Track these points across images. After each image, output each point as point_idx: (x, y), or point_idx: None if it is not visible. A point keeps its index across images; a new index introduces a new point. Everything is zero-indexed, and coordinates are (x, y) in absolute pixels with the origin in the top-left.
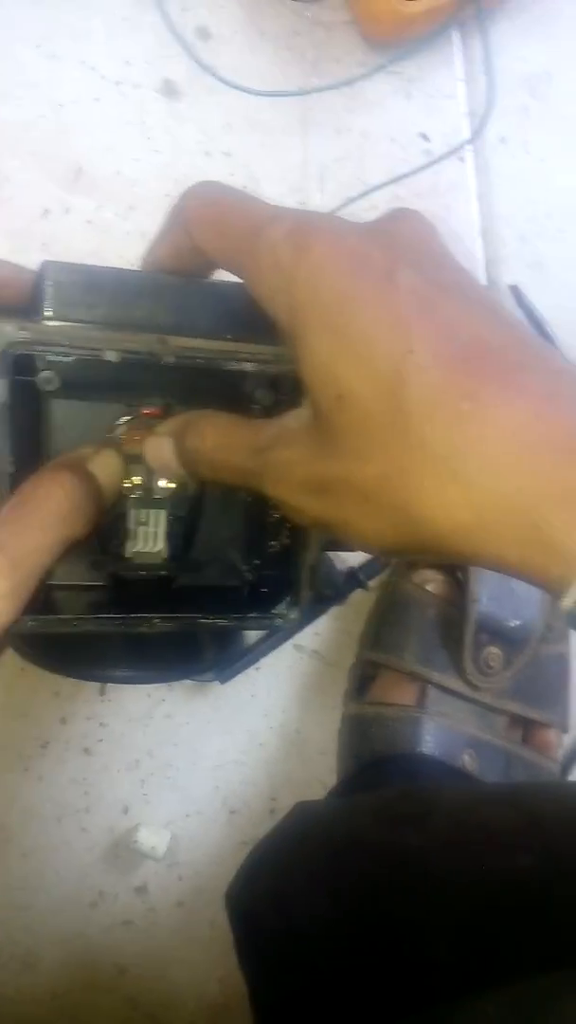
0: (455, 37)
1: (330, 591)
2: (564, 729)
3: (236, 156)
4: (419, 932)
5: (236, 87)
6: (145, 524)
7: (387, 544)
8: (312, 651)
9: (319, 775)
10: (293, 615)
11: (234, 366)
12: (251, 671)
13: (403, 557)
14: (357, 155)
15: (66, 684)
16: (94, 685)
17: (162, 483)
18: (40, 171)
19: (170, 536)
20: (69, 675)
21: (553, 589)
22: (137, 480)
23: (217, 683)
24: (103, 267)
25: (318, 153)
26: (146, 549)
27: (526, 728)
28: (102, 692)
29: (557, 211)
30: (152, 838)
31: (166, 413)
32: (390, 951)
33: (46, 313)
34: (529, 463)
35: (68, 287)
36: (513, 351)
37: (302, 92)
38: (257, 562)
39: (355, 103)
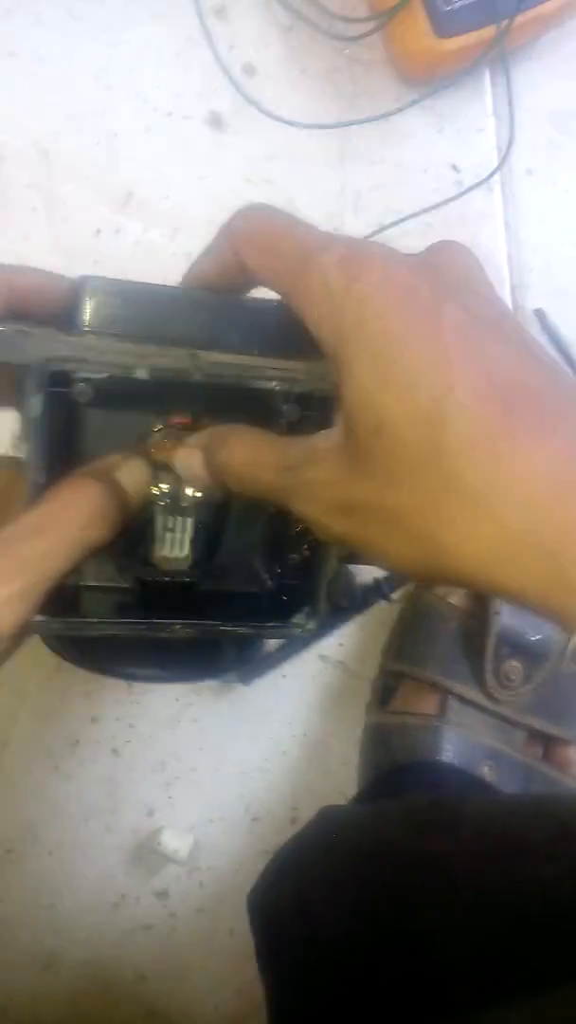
0: (486, 75)
1: (347, 602)
2: None
3: (276, 184)
4: (443, 941)
5: (278, 119)
6: (172, 530)
7: (409, 568)
8: (337, 661)
9: (340, 786)
10: (311, 625)
11: (261, 384)
12: (277, 679)
13: (423, 581)
14: (390, 184)
15: (97, 684)
16: (124, 685)
17: (189, 491)
18: (93, 194)
19: (195, 542)
20: (93, 670)
21: (570, 627)
22: (165, 488)
23: (242, 688)
24: (139, 283)
25: (354, 182)
26: (172, 554)
27: (546, 745)
28: (130, 688)
29: None
30: (175, 840)
31: (195, 424)
32: (413, 960)
33: (83, 327)
34: (559, 504)
35: (105, 301)
36: (550, 394)
37: (339, 125)
38: (278, 571)
39: (390, 136)
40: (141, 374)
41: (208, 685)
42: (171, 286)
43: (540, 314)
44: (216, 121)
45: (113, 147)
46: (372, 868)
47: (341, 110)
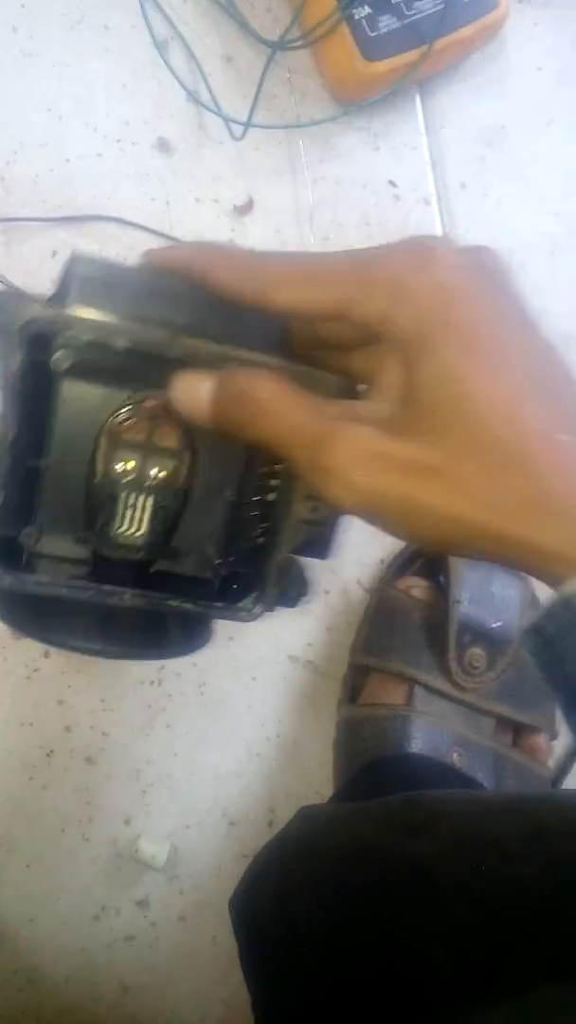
0: (416, 96)
1: (296, 591)
2: (552, 735)
3: (222, 203)
4: (423, 941)
5: (222, 141)
6: (132, 508)
7: (447, 531)
8: (306, 662)
9: (316, 786)
10: (257, 610)
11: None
12: (248, 681)
13: (439, 547)
14: (334, 200)
15: (70, 692)
16: (97, 694)
17: (154, 471)
18: (51, 216)
19: (153, 523)
20: (41, 639)
21: None
22: (131, 464)
23: (214, 691)
24: (127, 266)
25: (299, 199)
26: (129, 531)
27: (515, 732)
28: (102, 696)
29: (517, 247)
30: (152, 846)
31: (168, 406)
32: (394, 960)
33: (69, 301)
34: None
35: (93, 280)
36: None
37: (276, 126)
38: (231, 559)
39: (329, 155)
40: (120, 343)
41: (181, 689)
42: (157, 273)
43: None
44: (164, 146)
45: (67, 173)
46: (352, 870)
47: (282, 134)
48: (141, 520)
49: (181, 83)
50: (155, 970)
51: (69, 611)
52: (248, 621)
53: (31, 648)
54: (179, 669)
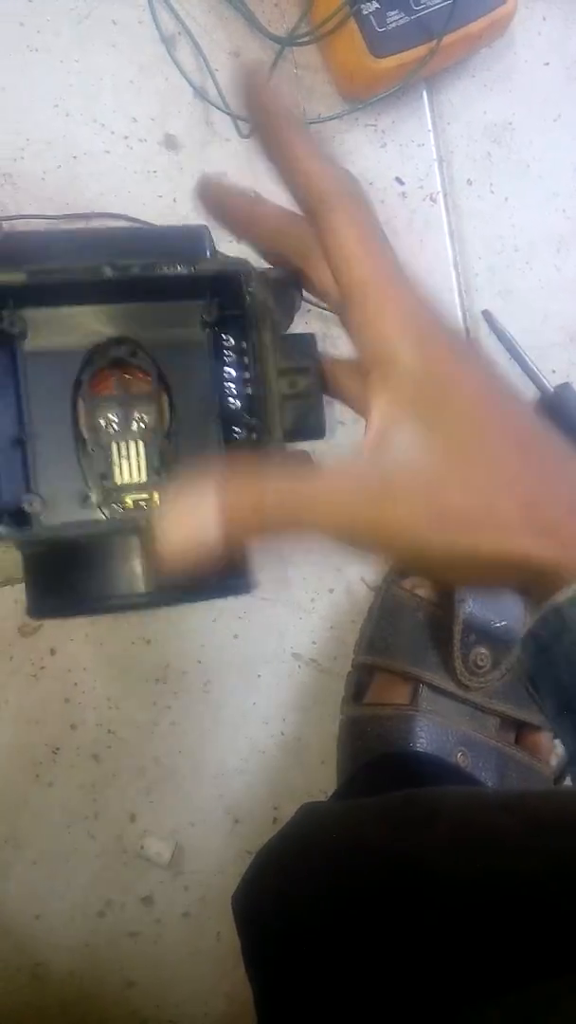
0: (423, 92)
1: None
2: (555, 733)
3: None
4: (421, 936)
5: (230, 137)
6: (127, 457)
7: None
8: (310, 659)
9: (320, 783)
10: None
11: (168, 271)
12: (252, 679)
13: (429, 570)
14: None
15: (76, 691)
16: (103, 692)
17: (136, 417)
18: (57, 213)
19: (151, 465)
20: (84, 611)
21: None
22: (113, 417)
23: (218, 688)
24: (52, 230)
25: None
26: (130, 480)
27: (519, 731)
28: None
29: (523, 245)
30: (158, 844)
31: (131, 352)
32: (392, 955)
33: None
34: None
35: (17, 240)
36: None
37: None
38: None
39: (335, 153)
40: (57, 276)
41: (186, 687)
42: (83, 229)
43: (487, 315)
44: (171, 143)
45: (74, 170)
46: (351, 865)
47: None
48: (139, 467)
49: (188, 79)
50: (159, 966)
51: (101, 569)
52: None
53: (37, 646)
54: (185, 667)
